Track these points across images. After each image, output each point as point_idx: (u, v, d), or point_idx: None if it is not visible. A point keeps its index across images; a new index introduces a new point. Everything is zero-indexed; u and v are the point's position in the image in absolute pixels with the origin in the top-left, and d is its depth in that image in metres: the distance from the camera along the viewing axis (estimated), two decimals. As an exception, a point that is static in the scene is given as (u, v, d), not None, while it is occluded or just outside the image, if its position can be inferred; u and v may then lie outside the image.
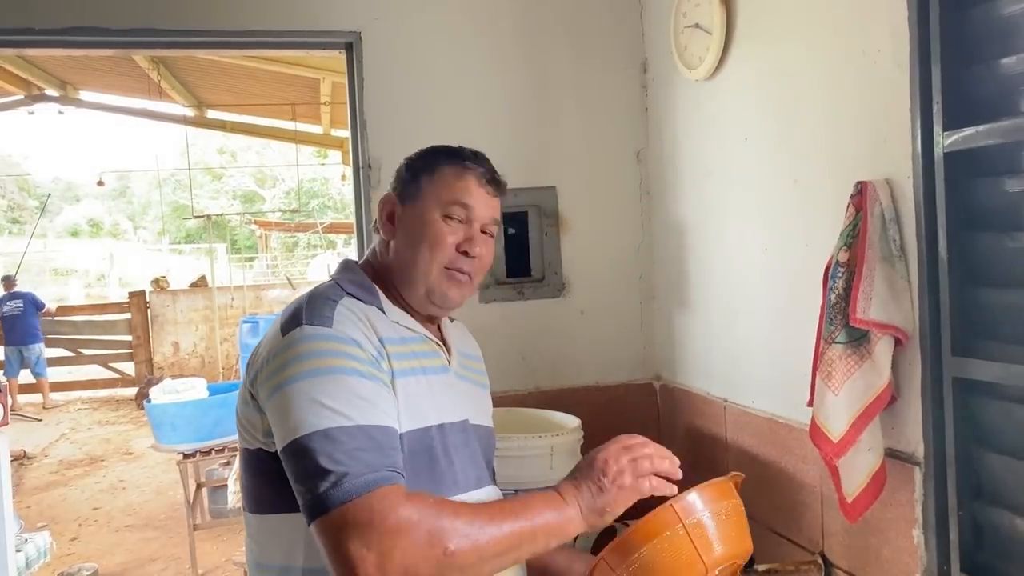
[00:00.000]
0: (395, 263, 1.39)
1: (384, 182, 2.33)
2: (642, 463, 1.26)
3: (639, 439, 1.30)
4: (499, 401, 2.41)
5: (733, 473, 1.30)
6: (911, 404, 1.50)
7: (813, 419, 1.53)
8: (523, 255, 2.47)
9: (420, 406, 1.32)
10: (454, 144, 1.44)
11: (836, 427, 1.49)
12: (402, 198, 1.39)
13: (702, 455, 2.28)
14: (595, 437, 2.30)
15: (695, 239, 2.28)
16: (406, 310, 1.40)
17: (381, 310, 1.36)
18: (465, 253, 1.36)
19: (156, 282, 12.25)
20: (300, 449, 1.16)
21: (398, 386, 1.29)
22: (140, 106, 10.02)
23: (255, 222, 15.74)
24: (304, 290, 1.42)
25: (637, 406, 2.53)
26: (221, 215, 14.89)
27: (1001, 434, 1.39)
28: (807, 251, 1.76)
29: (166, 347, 11.53)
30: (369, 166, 2.36)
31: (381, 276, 1.41)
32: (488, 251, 1.39)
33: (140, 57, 7.56)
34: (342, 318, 1.28)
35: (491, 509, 1.19)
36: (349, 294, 1.34)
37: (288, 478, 1.19)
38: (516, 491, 2.06)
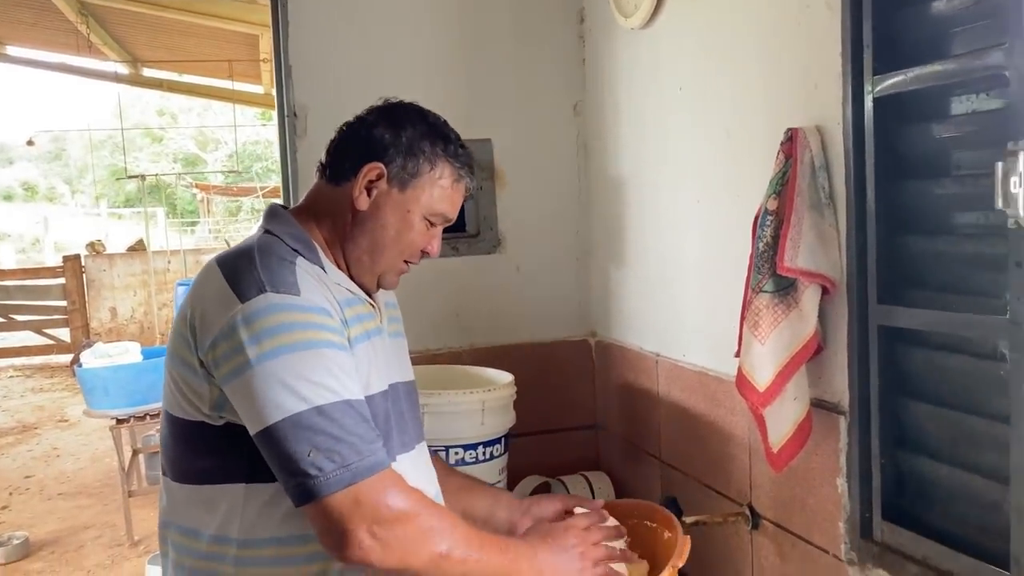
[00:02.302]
0: (359, 240, 1.33)
1: (311, 130, 2.24)
2: (599, 550, 1.35)
3: (597, 519, 1.42)
4: (433, 359, 2.38)
5: (675, 564, 1.34)
6: (837, 354, 1.49)
7: (739, 369, 1.52)
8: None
9: (370, 373, 1.29)
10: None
11: (762, 376, 1.47)
12: (391, 177, 1.30)
13: (635, 410, 2.27)
14: (530, 393, 2.28)
15: (631, 193, 2.25)
16: (342, 270, 1.35)
17: (323, 269, 1.29)
18: (425, 253, 1.37)
19: (91, 246, 11.87)
20: (293, 428, 1.11)
21: (355, 353, 1.25)
22: (72, 63, 9.61)
23: (196, 185, 15.32)
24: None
25: (572, 362, 2.51)
26: (156, 176, 14.43)
27: (924, 382, 1.39)
28: (739, 202, 1.74)
29: (103, 313, 11.21)
30: (295, 114, 2.27)
31: (329, 235, 1.34)
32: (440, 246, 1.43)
33: (67, 8, 7.23)
34: (307, 284, 1.21)
35: (483, 538, 1.23)
36: (296, 251, 1.26)
37: (267, 458, 1.14)
38: (447, 448, 2.04)
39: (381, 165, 1.30)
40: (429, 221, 1.34)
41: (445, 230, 2.49)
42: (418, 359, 2.33)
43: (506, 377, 2.15)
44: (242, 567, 1.23)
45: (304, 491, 1.11)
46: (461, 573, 1.18)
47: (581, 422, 2.52)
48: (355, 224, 1.32)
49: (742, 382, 1.50)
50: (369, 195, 1.31)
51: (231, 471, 1.21)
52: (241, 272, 1.20)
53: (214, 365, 1.17)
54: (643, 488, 2.24)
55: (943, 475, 1.35)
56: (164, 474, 1.32)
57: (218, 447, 1.22)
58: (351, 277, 1.35)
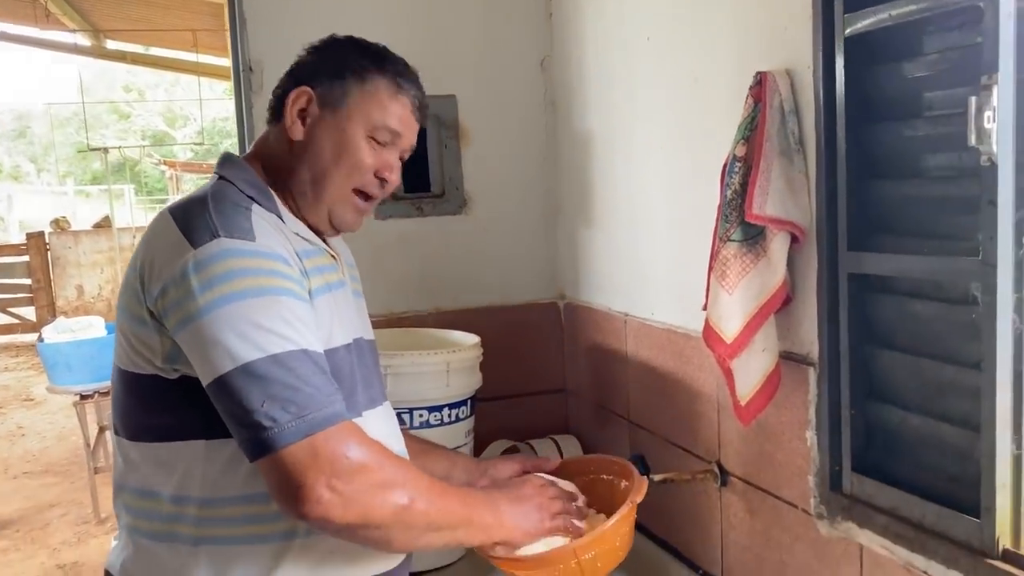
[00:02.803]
0: (300, 173, 1.26)
1: (268, 85, 2.15)
2: (557, 503, 1.33)
3: (549, 480, 1.39)
4: (397, 322, 2.32)
5: (633, 500, 1.33)
6: (806, 303, 1.46)
7: (707, 320, 1.48)
8: (421, 169, 2.34)
9: (333, 325, 1.23)
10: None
11: (730, 328, 1.43)
12: (323, 99, 1.24)
13: (603, 372, 2.23)
14: (498, 357, 2.23)
15: (600, 150, 2.20)
16: (300, 219, 1.28)
17: (280, 218, 1.22)
18: (382, 180, 1.28)
19: (56, 223, 11.62)
20: (246, 378, 1.05)
21: (315, 305, 1.19)
22: (28, 33, 9.33)
23: (164, 162, 15.03)
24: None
25: (541, 326, 2.46)
26: (120, 149, 14.14)
27: (895, 330, 1.36)
28: (707, 152, 1.69)
29: (69, 290, 11.02)
30: (250, 69, 2.18)
31: (276, 178, 1.27)
32: (399, 176, 1.33)
33: (23, -25, 7.01)
34: (262, 230, 1.15)
35: (445, 488, 1.19)
36: (251, 199, 1.20)
37: (220, 410, 1.08)
38: (411, 410, 1.99)
39: (308, 89, 1.25)
40: (375, 139, 1.26)
41: (408, 190, 2.43)
42: (381, 322, 2.29)
43: (472, 338, 2.10)
44: (205, 527, 1.16)
45: (257, 444, 1.05)
46: (425, 524, 1.13)
47: (550, 386, 2.48)
48: (293, 156, 1.26)
49: (709, 334, 1.46)
50: (303, 123, 1.25)
51: (189, 427, 1.15)
52: (194, 218, 1.13)
53: (164, 314, 1.11)
54: (612, 450, 2.20)
55: (913, 425, 1.32)
56: (116, 433, 1.25)
57: (174, 402, 1.15)
58: (307, 223, 1.28)
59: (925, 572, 1.25)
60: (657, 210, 1.93)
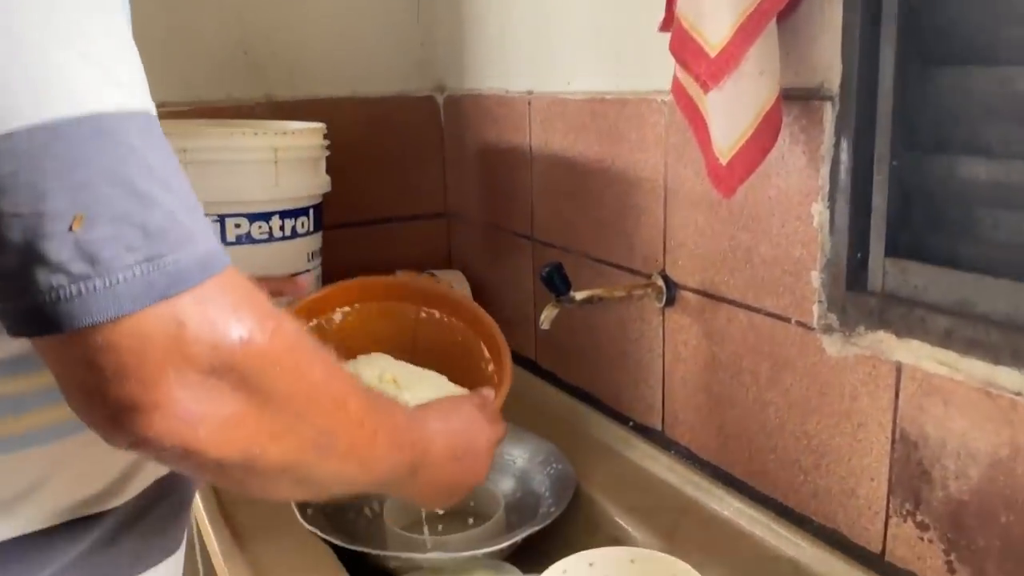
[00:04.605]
0: None
1: None
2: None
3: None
4: (214, 112, 1.65)
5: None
6: (822, 7, 0.94)
7: (679, 24, 0.93)
8: None
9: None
10: None
11: (716, 32, 0.90)
12: None
13: (498, 180, 1.69)
14: (355, 171, 1.64)
15: None
16: None
17: None
18: None
19: None
20: (41, 153, 0.45)
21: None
22: None
23: None
24: None
25: (412, 126, 1.86)
26: None
27: (962, 36, 0.86)
28: None
29: None
30: None
31: None
32: None
33: None
34: None
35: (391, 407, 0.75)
36: None
37: None
38: (222, 217, 1.39)
39: None
40: None
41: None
42: (188, 112, 1.65)
43: (314, 125, 1.49)
44: None
45: (55, 304, 0.45)
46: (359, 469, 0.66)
47: (427, 208, 1.91)
48: None
49: (683, 43, 0.92)
50: None
51: None
52: None
53: None
54: (509, 282, 1.69)
55: (993, 177, 0.85)
56: None
57: None
58: None
59: (1018, 393, 0.80)
60: (575, -70, 1.36)
